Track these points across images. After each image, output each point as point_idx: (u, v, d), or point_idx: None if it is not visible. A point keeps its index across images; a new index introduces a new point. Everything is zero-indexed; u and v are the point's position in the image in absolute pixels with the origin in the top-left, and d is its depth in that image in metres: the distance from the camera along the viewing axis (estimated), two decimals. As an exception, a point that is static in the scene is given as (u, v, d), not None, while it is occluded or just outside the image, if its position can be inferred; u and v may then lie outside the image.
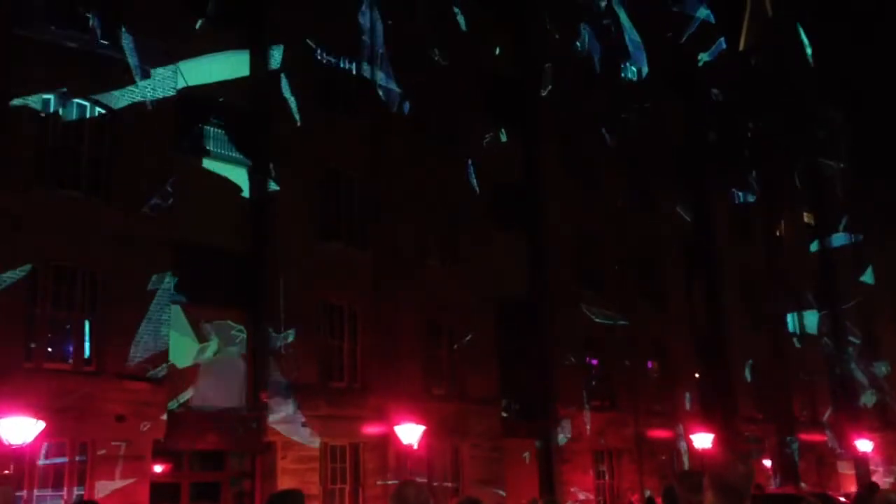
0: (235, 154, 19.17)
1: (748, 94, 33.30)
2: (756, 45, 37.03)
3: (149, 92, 17.50)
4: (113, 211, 16.69)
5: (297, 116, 19.88)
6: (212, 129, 18.91)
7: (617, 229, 26.93)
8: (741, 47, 38.37)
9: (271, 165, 19.34)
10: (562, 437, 23.86)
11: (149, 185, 17.21)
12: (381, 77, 21.71)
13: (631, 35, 29.49)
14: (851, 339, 35.62)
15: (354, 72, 21.58)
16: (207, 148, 18.79)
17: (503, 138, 25.12)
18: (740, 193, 33.02)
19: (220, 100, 19.06)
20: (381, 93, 21.65)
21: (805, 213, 36.45)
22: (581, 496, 23.67)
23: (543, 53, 26.54)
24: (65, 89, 16.57)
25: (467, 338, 22.13)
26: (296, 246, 19.26)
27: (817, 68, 37.94)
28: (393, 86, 21.85)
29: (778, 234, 34.59)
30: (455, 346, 22.02)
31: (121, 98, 17.16)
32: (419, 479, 19.28)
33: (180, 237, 17.49)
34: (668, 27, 30.88)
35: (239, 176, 19.26)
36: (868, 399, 35.07)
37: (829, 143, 37.60)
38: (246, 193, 19.27)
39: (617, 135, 27.80)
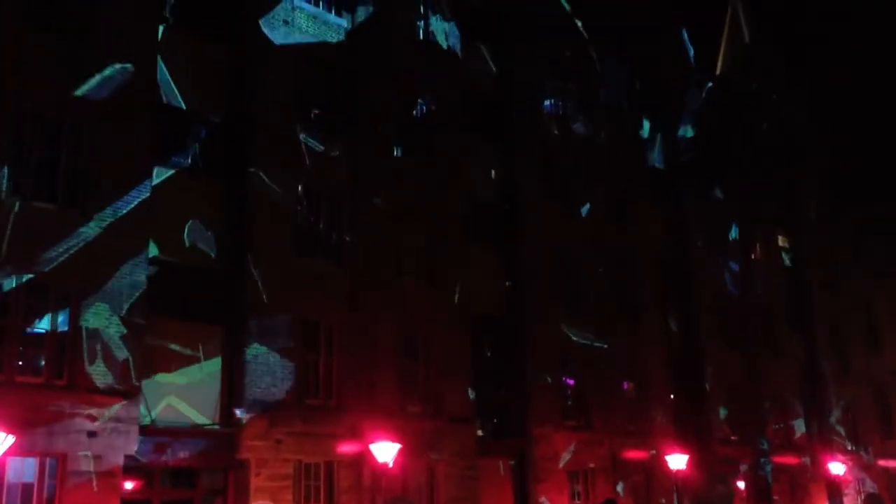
0: (212, 168, 19.08)
1: (725, 116, 33.63)
2: (733, 69, 37.46)
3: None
4: (88, 224, 16.53)
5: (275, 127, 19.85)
6: (190, 143, 18.79)
7: (594, 250, 27.09)
8: (718, 70, 38.80)
9: (248, 180, 19.28)
10: (537, 457, 23.80)
11: (125, 199, 17.07)
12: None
13: (608, 58, 29.73)
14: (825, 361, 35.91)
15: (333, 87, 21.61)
16: (185, 162, 18.67)
17: (482, 156, 25.18)
18: (716, 216, 33.31)
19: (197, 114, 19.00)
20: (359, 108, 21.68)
21: (780, 237, 36.78)
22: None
23: (522, 72, 26.70)
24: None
25: (442, 356, 22.07)
26: (272, 261, 19.14)
27: (795, 92, 38.42)
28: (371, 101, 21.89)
29: (753, 256, 34.88)
30: (431, 365, 21.94)
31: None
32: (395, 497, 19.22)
33: (155, 252, 17.36)
34: (647, 51, 31.11)
35: (215, 190, 19.12)
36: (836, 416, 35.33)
37: (805, 165, 38.00)
38: (222, 208, 19.14)
39: (594, 155, 27.98)
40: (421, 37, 23.84)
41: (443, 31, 24.17)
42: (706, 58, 36.06)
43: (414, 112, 23.28)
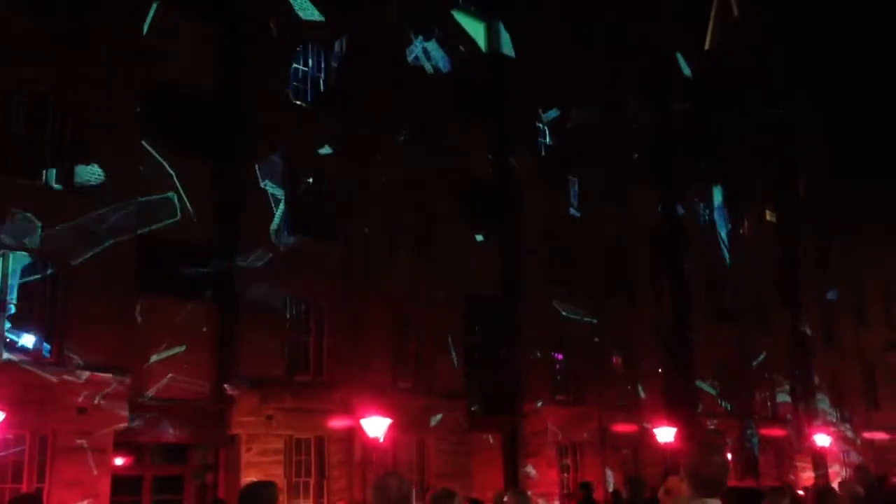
0: (203, 145, 18.93)
1: (715, 92, 33.54)
2: (722, 44, 37.32)
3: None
4: (77, 200, 16.41)
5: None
6: (179, 118, 18.61)
7: (587, 228, 27.08)
8: (707, 46, 38.65)
9: (239, 157, 19.16)
10: (527, 431, 23.93)
11: (115, 176, 16.94)
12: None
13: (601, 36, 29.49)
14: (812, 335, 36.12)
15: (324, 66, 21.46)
16: (174, 137, 18.49)
17: (477, 136, 25.04)
18: (706, 191, 33.33)
19: (188, 90, 18.81)
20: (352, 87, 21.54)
21: (767, 212, 36.82)
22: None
23: (517, 54, 26.46)
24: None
25: (434, 332, 22.10)
26: (262, 238, 19.08)
27: (785, 67, 38.36)
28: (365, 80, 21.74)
29: (742, 231, 34.95)
30: (423, 341, 21.97)
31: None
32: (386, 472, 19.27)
33: (146, 229, 17.27)
34: (639, 30, 30.88)
35: (206, 168, 18.98)
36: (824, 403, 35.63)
37: (795, 141, 38.02)
38: (214, 185, 19.02)
39: (588, 136, 27.86)
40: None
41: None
42: (697, 33, 35.88)
43: (408, 92, 23.08)
